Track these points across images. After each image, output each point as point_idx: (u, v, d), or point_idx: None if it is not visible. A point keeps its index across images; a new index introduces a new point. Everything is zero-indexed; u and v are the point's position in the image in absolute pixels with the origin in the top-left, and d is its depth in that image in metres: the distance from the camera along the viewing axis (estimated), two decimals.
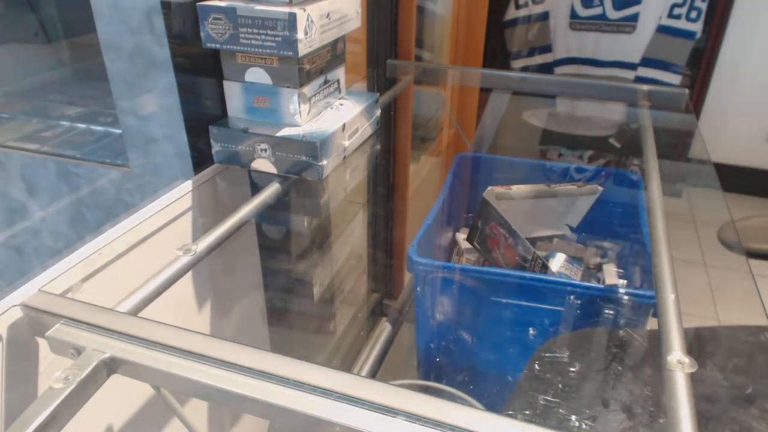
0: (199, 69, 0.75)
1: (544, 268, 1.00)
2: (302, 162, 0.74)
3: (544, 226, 1.22)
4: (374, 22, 1.21)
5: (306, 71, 0.76)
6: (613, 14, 2.23)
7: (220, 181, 0.80)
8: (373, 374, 1.02)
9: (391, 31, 1.26)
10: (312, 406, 0.40)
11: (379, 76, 1.26)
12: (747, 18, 2.33)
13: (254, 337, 1.00)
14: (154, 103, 0.74)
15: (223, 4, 0.70)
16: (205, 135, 0.76)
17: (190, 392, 0.44)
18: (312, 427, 0.40)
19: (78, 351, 0.46)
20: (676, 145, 1.36)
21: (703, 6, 2.15)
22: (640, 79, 2.27)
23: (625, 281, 1.10)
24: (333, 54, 0.83)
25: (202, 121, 0.76)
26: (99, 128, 1.08)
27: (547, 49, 2.37)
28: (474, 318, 0.99)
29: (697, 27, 2.18)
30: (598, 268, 1.19)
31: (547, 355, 0.91)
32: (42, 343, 0.48)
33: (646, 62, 2.25)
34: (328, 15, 0.76)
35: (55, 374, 0.42)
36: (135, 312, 0.53)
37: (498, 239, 1.04)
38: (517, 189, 1.11)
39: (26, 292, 0.52)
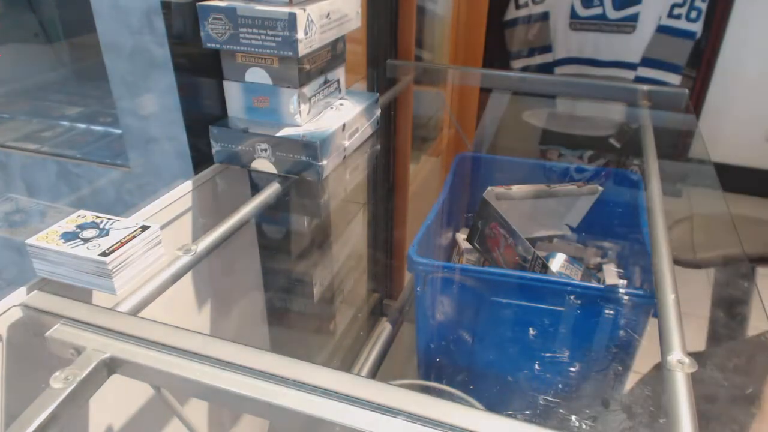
0: (199, 69, 0.75)
1: (544, 268, 1.00)
2: (302, 162, 0.74)
3: (544, 226, 1.22)
4: (374, 22, 1.21)
5: (306, 71, 0.76)
6: (613, 14, 2.22)
7: (220, 181, 0.80)
8: (373, 374, 1.02)
9: (391, 31, 1.26)
10: (312, 406, 0.40)
11: (379, 76, 1.26)
12: (747, 18, 2.33)
13: (254, 337, 1.00)
14: (154, 103, 0.74)
15: (223, 4, 0.70)
16: (205, 135, 0.76)
17: (190, 392, 0.44)
18: (312, 427, 0.40)
19: (78, 351, 0.46)
20: (676, 145, 1.36)
21: (703, 6, 2.15)
22: (640, 79, 2.27)
23: (625, 281, 1.10)
24: (333, 54, 0.83)
25: (202, 121, 0.76)
26: (99, 128, 1.09)
27: (547, 49, 2.37)
28: (474, 318, 0.99)
29: (697, 27, 2.18)
30: (598, 268, 1.19)
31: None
32: (42, 343, 0.48)
33: (646, 62, 2.25)
34: (328, 15, 0.76)
35: (55, 374, 0.42)
36: (135, 312, 0.53)
37: (498, 239, 1.04)
38: (517, 189, 1.11)
39: (26, 292, 0.52)
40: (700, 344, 1.12)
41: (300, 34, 0.69)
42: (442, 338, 1.04)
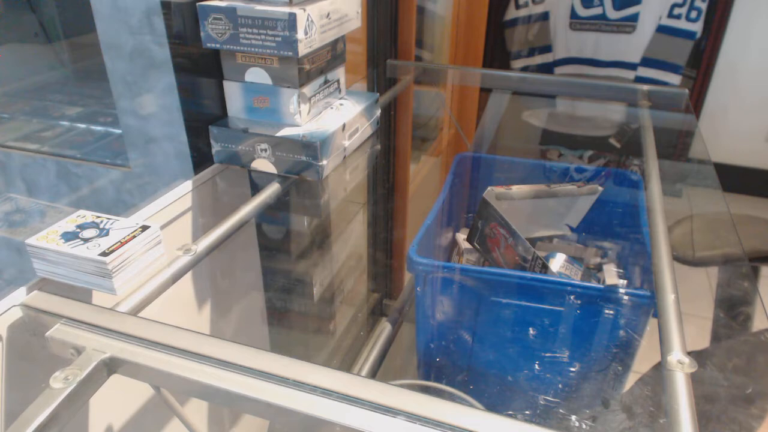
0: (199, 69, 0.75)
1: (544, 268, 1.00)
2: (302, 162, 0.74)
3: (544, 226, 1.22)
4: (374, 22, 1.21)
5: (306, 71, 0.76)
6: (613, 14, 2.23)
7: (220, 181, 0.80)
8: (373, 374, 1.02)
9: (391, 31, 1.26)
10: (312, 406, 0.40)
11: (379, 76, 1.26)
12: (747, 18, 2.33)
13: (254, 337, 1.00)
14: (154, 103, 0.74)
15: (223, 4, 0.70)
16: (205, 135, 0.77)
17: (190, 392, 0.44)
18: (312, 427, 0.40)
19: (78, 351, 0.46)
20: (676, 145, 1.36)
21: (703, 6, 2.15)
22: (640, 79, 2.27)
23: (625, 281, 1.10)
24: (333, 54, 0.83)
25: (202, 121, 0.76)
26: (99, 128, 1.09)
27: (547, 49, 2.37)
28: (474, 318, 0.99)
29: (697, 27, 2.18)
30: (598, 268, 1.19)
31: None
32: (42, 343, 0.48)
33: (646, 62, 2.25)
34: (328, 15, 0.76)
35: (55, 374, 0.42)
36: (135, 312, 0.53)
37: (498, 239, 1.04)
38: (517, 189, 1.11)
39: (26, 292, 0.52)
40: (700, 345, 1.12)
41: (300, 34, 0.69)
42: (442, 338, 1.04)
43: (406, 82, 1.31)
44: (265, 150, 0.75)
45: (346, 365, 1.40)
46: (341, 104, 0.86)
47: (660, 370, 0.50)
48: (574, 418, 0.94)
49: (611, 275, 1.08)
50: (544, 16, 2.32)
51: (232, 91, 0.78)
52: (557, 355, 0.95)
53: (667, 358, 0.50)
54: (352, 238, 1.39)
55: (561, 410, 0.96)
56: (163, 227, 0.69)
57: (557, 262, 1.09)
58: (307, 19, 0.70)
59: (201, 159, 0.77)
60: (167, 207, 0.70)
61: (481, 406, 0.95)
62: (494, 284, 0.93)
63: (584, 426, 0.91)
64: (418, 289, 0.98)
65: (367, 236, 1.49)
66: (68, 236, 0.53)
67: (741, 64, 2.41)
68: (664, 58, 2.23)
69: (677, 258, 1.26)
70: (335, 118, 0.81)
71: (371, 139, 0.92)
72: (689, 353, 0.50)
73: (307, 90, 0.77)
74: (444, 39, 1.82)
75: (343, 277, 1.34)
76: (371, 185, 1.42)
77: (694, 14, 2.15)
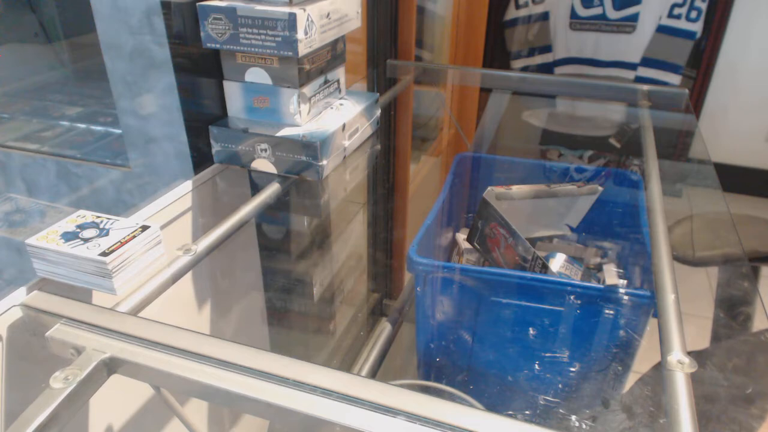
0: (199, 69, 0.75)
1: (544, 268, 1.00)
2: (302, 162, 0.74)
3: (544, 226, 1.22)
4: (374, 22, 1.21)
5: (306, 71, 0.76)
6: (613, 14, 2.23)
7: (220, 181, 0.80)
8: (373, 374, 1.02)
9: (391, 31, 1.26)
10: (312, 406, 0.40)
11: (379, 76, 1.26)
12: (747, 18, 2.33)
13: (254, 337, 1.00)
14: (154, 103, 0.75)
15: (223, 4, 0.70)
16: (205, 135, 0.77)
17: (190, 392, 0.44)
18: (312, 427, 0.40)
19: (78, 351, 0.46)
20: (676, 145, 1.36)
21: (703, 6, 2.15)
22: (640, 79, 2.27)
23: (625, 281, 1.10)
24: (333, 54, 0.83)
25: (202, 121, 0.76)
26: (99, 128, 1.09)
27: (547, 49, 2.37)
28: (474, 318, 0.99)
29: (697, 27, 2.18)
30: (598, 268, 1.19)
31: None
32: (42, 343, 0.48)
33: (646, 62, 2.25)
34: (328, 15, 0.76)
35: (55, 374, 0.42)
36: (135, 312, 0.53)
37: (498, 239, 1.04)
38: (517, 189, 1.11)
39: (26, 292, 0.52)
40: (700, 345, 1.12)
41: (300, 34, 0.69)
42: (442, 338, 1.04)
43: (406, 82, 1.31)
44: (265, 150, 0.75)
45: (346, 365, 1.40)
46: (341, 104, 0.86)
47: (660, 370, 0.50)
48: (574, 418, 0.94)
49: (611, 275, 1.08)
50: (544, 16, 2.32)
51: (232, 91, 0.78)
52: (557, 355, 0.95)
53: (667, 358, 0.50)
54: (352, 238, 1.39)
55: (561, 410, 0.96)
56: (163, 227, 0.69)
57: (557, 262, 1.09)
58: (307, 19, 0.70)
59: (201, 159, 0.77)
60: (167, 207, 0.70)
61: (481, 406, 0.95)
62: (494, 284, 0.93)
63: (584, 426, 0.91)
64: (418, 289, 0.98)
65: (367, 236, 1.49)
66: (68, 236, 0.53)
67: (741, 64, 2.41)
68: (664, 58, 2.23)
69: (677, 258, 1.26)
70: (335, 118, 0.81)
71: (371, 139, 0.92)
72: (689, 353, 0.50)
73: (307, 90, 0.77)
74: (444, 39, 1.82)
75: (343, 277, 1.34)
76: (371, 185, 1.42)
77: (694, 14, 2.15)
